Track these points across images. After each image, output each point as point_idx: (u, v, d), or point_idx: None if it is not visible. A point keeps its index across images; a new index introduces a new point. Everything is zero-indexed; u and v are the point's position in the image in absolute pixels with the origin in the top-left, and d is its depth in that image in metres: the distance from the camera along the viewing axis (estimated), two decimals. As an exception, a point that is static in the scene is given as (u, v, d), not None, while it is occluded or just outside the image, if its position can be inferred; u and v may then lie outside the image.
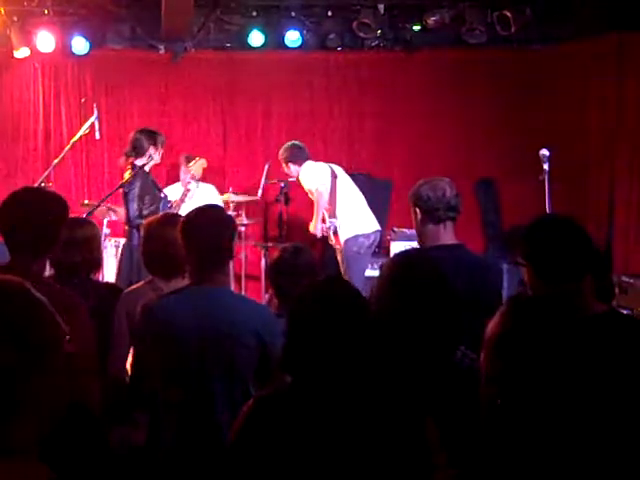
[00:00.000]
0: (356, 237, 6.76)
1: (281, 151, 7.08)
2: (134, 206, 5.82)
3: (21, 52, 7.39)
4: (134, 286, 3.72)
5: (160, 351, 3.00)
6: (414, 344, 2.51)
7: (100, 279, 4.88)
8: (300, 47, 7.87)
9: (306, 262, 3.62)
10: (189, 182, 6.72)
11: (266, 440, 2.09)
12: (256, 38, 7.74)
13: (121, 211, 6.12)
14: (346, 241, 6.76)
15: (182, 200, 6.45)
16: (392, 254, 6.41)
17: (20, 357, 1.38)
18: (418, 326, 2.53)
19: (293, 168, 7.01)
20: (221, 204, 6.58)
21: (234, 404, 2.95)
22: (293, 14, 7.72)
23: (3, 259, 2.89)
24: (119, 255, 6.01)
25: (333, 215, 6.80)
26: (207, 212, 3.21)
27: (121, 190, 5.94)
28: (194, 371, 2.94)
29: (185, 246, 3.05)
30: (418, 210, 3.60)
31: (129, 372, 3.35)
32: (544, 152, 5.86)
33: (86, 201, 6.61)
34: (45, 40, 7.34)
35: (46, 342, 1.42)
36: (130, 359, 3.36)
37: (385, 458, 2.06)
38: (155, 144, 6.19)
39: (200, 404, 2.95)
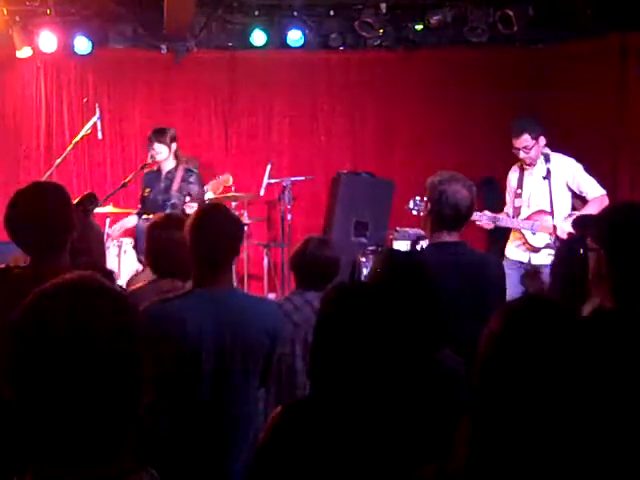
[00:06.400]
0: None
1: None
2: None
3: (23, 52, 7.39)
4: (137, 285, 3.71)
5: (168, 355, 2.88)
6: (395, 345, 2.46)
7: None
8: (302, 46, 7.87)
9: (330, 256, 3.67)
10: None
11: (295, 449, 2.03)
12: (258, 37, 7.74)
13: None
14: None
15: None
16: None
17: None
18: (397, 327, 2.48)
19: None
20: None
21: (249, 403, 2.96)
22: (295, 13, 7.73)
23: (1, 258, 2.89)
24: None
25: None
26: (217, 212, 3.14)
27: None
28: (208, 374, 2.90)
29: (192, 245, 2.99)
30: (429, 204, 3.57)
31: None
32: (545, 152, 5.86)
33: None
34: (47, 40, 7.34)
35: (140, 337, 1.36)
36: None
37: (410, 468, 2.02)
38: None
39: (215, 404, 2.92)
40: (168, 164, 6.14)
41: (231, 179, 6.68)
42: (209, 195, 6.37)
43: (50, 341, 1.24)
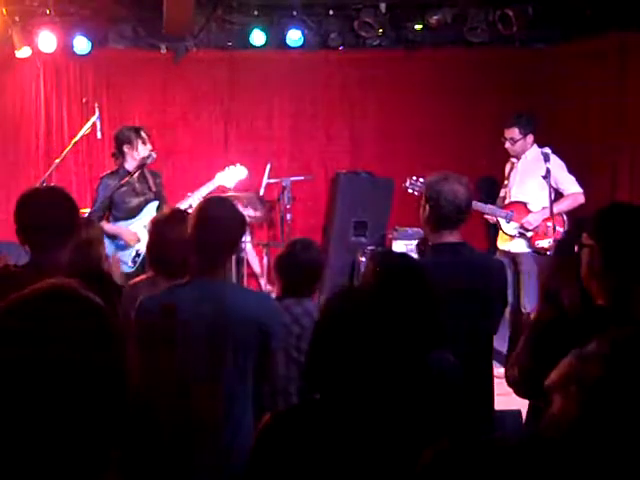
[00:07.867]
0: None
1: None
2: None
3: (23, 52, 7.38)
4: (135, 280, 3.71)
5: (162, 344, 2.91)
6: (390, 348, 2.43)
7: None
8: (301, 46, 7.86)
9: (314, 258, 3.67)
10: None
11: (283, 459, 2.00)
12: (258, 37, 7.74)
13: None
14: None
15: None
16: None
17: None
18: (389, 327, 2.46)
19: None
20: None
21: (241, 397, 2.95)
22: (294, 13, 7.72)
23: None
24: None
25: None
26: (223, 205, 3.12)
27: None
28: (202, 366, 2.91)
29: (194, 237, 2.99)
30: (427, 206, 3.51)
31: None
32: (546, 151, 5.86)
33: (87, 209, 6.40)
34: (47, 40, 7.33)
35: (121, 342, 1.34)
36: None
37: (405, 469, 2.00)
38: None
39: (209, 393, 2.92)
40: (130, 165, 5.87)
41: (246, 172, 6.56)
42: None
43: (19, 348, 1.22)
